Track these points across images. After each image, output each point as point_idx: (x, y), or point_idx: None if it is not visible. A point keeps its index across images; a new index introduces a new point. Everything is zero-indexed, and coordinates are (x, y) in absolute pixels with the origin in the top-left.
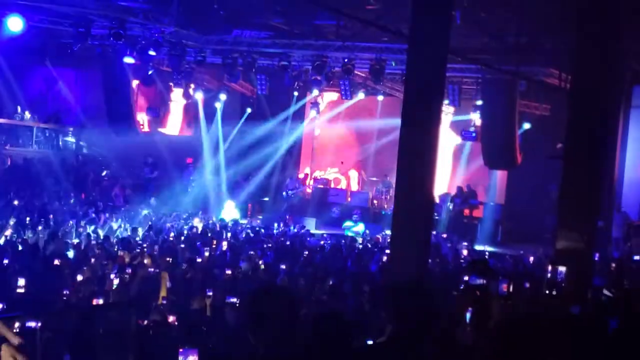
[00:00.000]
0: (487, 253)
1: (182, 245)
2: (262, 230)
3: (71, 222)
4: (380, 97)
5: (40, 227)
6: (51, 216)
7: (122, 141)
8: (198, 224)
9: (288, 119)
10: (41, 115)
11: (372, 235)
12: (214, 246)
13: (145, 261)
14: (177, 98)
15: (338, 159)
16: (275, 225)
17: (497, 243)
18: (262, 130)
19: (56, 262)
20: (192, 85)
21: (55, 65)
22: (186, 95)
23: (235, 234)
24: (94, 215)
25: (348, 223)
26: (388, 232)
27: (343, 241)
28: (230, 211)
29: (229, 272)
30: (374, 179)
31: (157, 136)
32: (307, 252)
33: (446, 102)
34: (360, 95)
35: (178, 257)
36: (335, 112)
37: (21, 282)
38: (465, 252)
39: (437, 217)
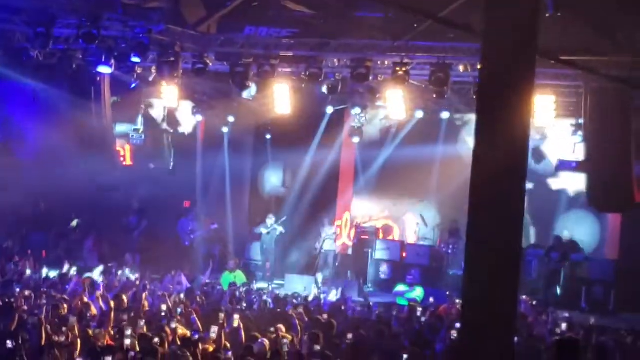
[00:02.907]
0: (591, 326)
1: (175, 322)
2: (289, 299)
3: (27, 292)
4: (445, 115)
5: None
6: None
7: (96, 179)
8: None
9: (317, 146)
10: None
11: (436, 304)
12: (222, 321)
13: (127, 342)
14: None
15: (389, 199)
16: (303, 289)
17: (608, 313)
18: (284, 163)
19: (9, 344)
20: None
21: (6, 78)
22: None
23: (251, 303)
24: (57, 279)
25: (401, 287)
26: (458, 300)
27: (395, 312)
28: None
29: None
30: (438, 226)
31: (144, 171)
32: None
33: (535, 120)
34: (418, 114)
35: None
36: (384, 136)
37: None
38: (564, 325)
39: (526, 278)
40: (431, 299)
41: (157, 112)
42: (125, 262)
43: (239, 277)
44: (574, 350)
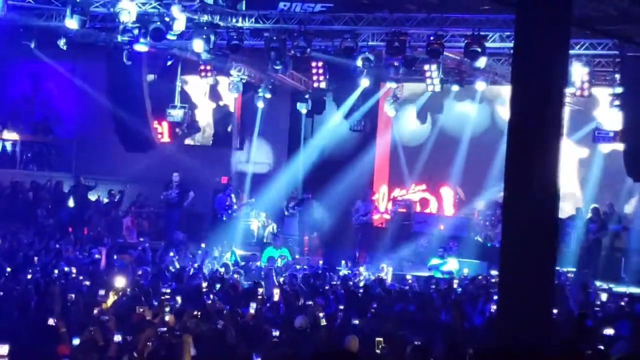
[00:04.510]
0: (625, 298)
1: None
2: (328, 274)
3: (67, 268)
4: (481, 85)
5: (29, 276)
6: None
7: (135, 156)
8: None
9: (353, 120)
10: (26, 124)
11: (471, 276)
12: (260, 296)
13: (167, 318)
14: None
15: (425, 172)
16: (343, 263)
17: None
18: (321, 136)
19: (50, 321)
20: (228, 79)
21: (44, 58)
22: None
23: (292, 278)
24: (97, 256)
25: (434, 260)
26: (494, 272)
27: (433, 286)
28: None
29: (276, 332)
30: (475, 197)
31: (183, 149)
32: (375, 305)
33: (570, 90)
34: (454, 88)
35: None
36: (419, 108)
37: (3, 349)
38: (604, 296)
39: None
40: (465, 270)
41: (195, 88)
42: (176, 240)
43: (285, 253)
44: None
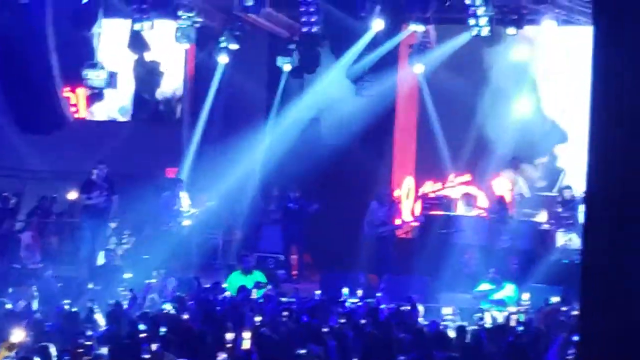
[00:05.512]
0: None
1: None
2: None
3: None
4: (549, 27)
5: None
6: None
7: (37, 141)
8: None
9: (362, 79)
10: None
11: (538, 307)
12: (229, 345)
13: None
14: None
15: (471, 156)
16: (346, 292)
17: None
18: (312, 104)
19: None
20: (174, 24)
21: None
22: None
23: (273, 315)
24: None
25: (484, 285)
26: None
27: (481, 323)
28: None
29: None
30: (543, 187)
31: (107, 125)
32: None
33: None
34: (510, 31)
35: None
36: (459, 61)
37: None
38: None
39: None
40: (525, 297)
41: (117, 37)
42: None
43: (259, 279)
44: None
